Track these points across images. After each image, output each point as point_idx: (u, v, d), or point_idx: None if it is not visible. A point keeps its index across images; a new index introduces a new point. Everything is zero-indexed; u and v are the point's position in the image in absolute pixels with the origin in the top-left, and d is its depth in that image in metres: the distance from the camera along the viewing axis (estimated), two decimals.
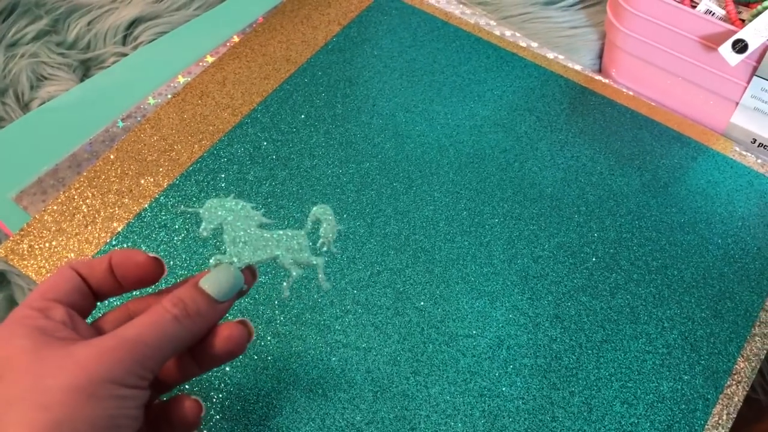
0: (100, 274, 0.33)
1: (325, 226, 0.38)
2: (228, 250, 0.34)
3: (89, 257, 0.50)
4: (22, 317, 0.30)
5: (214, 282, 0.32)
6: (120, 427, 0.28)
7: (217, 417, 0.43)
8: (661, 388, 0.45)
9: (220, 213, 0.35)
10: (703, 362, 0.47)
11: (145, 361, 0.29)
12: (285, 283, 0.39)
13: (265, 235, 0.35)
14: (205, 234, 0.35)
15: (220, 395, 0.44)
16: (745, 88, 0.55)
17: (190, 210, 0.49)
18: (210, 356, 0.33)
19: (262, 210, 0.39)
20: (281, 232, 0.36)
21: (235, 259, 0.34)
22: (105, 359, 0.28)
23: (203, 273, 0.33)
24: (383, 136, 0.58)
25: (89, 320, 0.33)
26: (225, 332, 0.32)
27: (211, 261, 0.34)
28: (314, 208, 0.38)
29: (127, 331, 0.29)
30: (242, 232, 0.35)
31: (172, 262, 0.49)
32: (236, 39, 0.65)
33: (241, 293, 0.34)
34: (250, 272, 0.35)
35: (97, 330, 0.33)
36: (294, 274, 0.37)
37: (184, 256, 0.50)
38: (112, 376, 0.28)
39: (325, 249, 0.39)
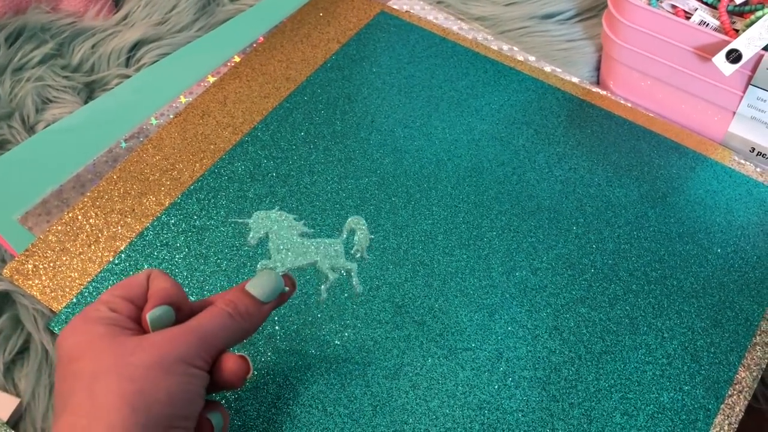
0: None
1: (359, 235, 0.41)
2: (273, 256, 0.38)
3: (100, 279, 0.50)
4: (92, 310, 0.35)
5: (258, 286, 0.37)
6: (191, 401, 0.33)
7: None
8: (662, 399, 0.45)
9: (266, 223, 0.38)
10: (703, 372, 0.47)
11: (207, 346, 0.34)
12: (323, 287, 0.41)
13: (306, 242, 0.38)
14: (253, 242, 0.39)
15: None
16: (741, 97, 0.55)
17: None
18: (215, 381, 0.36)
19: (303, 221, 0.41)
20: (320, 240, 0.39)
21: (279, 265, 0.38)
22: (176, 342, 0.33)
23: (250, 278, 0.38)
24: (382, 152, 0.58)
25: None
26: (228, 364, 0.36)
27: (258, 266, 0.38)
28: (349, 219, 0.41)
29: (191, 323, 0.35)
30: (285, 240, 0.38)
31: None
32: (237, 59, 0.66)
33: (282, 297, 0.38)
34: (289, 279, 0.39)
35: None
36: (331, 278, 0.40)
37: (185, 274, 0.50)
38: (183, 356, 0.33)
39: (358, 256, 0.42)
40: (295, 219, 0.39)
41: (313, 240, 0.38)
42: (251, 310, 0.37)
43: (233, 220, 0.50)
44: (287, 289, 0.39)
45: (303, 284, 0.50)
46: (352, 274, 0.41)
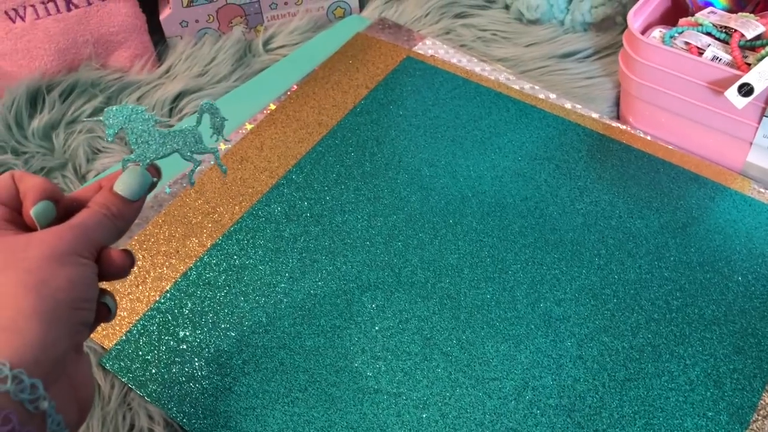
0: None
1: (213, 118, 0.42)
2: (134, 150, 0.39)
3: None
4: None
5: (124, 185, 0.39)
6: (89, 285, 0.35)
7: None
8: (686, 425, 0.46)
9: (119, 118, 0.39)
10: (727, 398, 0.48)
11: (91, 240, 0.36)
12: (192, 172, 0.42)
13: (163, 132, 0.40)
14: (110, 139, 0.40)
15: None
16: (757, 128, 0.57)
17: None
18: (102, 273, 0.38)
19: (154, 111, 0.41)
20: (176, 129, 0.41)
21: (142, 158, 0.39)
22: (65, 237, 0.35)
23: (118, 173, 0.39)
24: (409, 190, 0.61)
25: None
26: (112, 256, 0.38)
27: (122, 162, 0.40)
28: (201, 104, 0.42)
29: (73, 221, 0.36)
30: (143, 133, 0.40)
31: (215, 318, 0.53)
32: (273, 107, 0.70)
33: (152, 187, 0.40)
34: (154, 169, 0.41)
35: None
36: (195, 163, 0.42)
37: (226, 311, 0.54)
38: (73, 249, 0.35)
39: (215, 138, 0.43)
40: (145, 110, 0.40)
41: (170, 129, 0.40)
42: (122, 210, 0.38)
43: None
44: (156, 179, 0.40)
45: (330, 309, 0.52)
46: (215, 158, 0.43)
